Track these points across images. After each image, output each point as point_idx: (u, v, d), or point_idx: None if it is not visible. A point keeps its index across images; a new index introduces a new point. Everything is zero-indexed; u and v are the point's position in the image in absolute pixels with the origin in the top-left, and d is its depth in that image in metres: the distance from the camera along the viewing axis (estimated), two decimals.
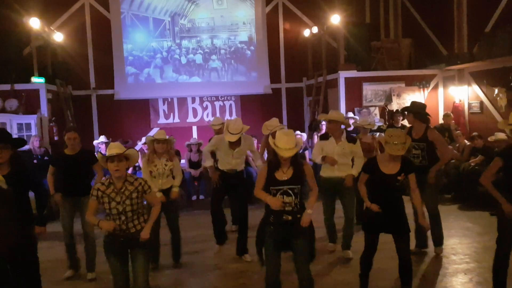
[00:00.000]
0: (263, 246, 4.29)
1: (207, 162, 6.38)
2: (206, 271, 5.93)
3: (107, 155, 4.08)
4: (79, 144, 5.67)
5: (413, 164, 4.81)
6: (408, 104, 10.87)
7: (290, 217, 4.14)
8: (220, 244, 6.45)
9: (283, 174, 4.16)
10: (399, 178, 4.53)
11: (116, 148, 4.09)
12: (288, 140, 4.11)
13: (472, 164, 9.03)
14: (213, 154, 6.45)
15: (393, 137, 4.54)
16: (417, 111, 6.03)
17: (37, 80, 10.29)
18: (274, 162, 4.20)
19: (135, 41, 12.70)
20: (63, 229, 5.73)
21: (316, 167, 9.64)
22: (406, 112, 6.26)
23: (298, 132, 10.29)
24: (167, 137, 5.88)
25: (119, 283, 4.19)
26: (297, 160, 4.20)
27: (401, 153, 4.50)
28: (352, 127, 9.45)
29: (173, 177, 5.93)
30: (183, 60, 12.86)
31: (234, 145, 6.04)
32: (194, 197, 9.61)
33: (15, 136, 9.23)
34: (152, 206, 4.34)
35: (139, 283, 4.18)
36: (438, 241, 6.16)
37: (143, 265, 4.19)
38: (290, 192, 4.14)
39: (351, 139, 6.09)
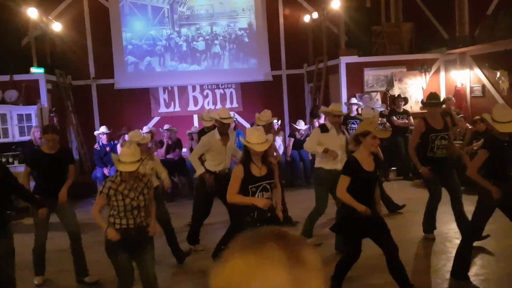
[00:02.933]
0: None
1: (199, 170, 6.00)
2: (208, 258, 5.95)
3: (119, 170, 4.11)
4: (58, 143, 5.34)
5: (380, 156, 4.78)
6: (410, 89, 11.03)
7: (269, 214, 4.23)
8: (192, 244, 6.28)
9: (259, 170, 4.24)
10: (378, 174, 4.49)
11: (129, 157, 4.04)
12: (259, 136, 4.18)
13: (474, 148, 9.01)
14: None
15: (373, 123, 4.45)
16: (444, 101, 6.43)
17: (36, 70, 10.23)
18: (247, 159, 4.26)
19: (134, 30, 12.59)
20: (37, 241, 5.28)
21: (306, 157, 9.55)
22: (429, 106, 6.07)
23: (300, 120, 10.31)
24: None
25: (128, 280, 4.17)
26: (266, 156, 4.30)
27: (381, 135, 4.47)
28: (355, 113, 9.42)
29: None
30: (183, 48, 12.77)
31: (225, 140, 5.99)
32: None
33: (15, 126, 9.25)
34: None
35: (150, 274, 4.27)
36: None
37: (152, 257, 4.34)
38: (268, 187, 4.23)
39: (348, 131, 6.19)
